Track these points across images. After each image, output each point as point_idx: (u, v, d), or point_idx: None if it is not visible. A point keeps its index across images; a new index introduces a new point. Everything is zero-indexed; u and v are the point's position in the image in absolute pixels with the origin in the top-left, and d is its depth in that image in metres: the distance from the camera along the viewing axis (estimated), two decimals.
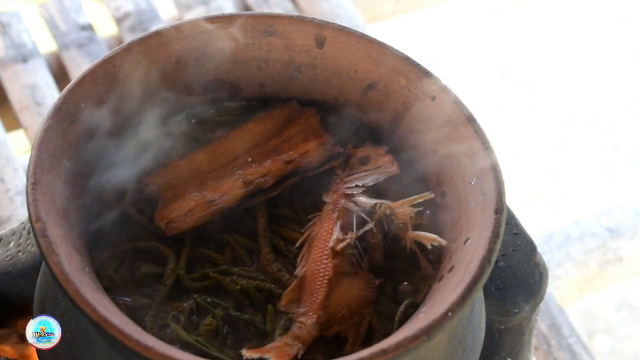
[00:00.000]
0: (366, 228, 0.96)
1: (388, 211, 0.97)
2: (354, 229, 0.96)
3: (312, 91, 1.06)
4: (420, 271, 0.96)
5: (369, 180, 1.00)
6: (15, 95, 1.68)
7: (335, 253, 0.95)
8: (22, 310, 1.08)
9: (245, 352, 0.87)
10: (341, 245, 0.95)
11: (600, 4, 3.01)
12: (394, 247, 0.97)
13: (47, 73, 1.72)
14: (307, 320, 0.91)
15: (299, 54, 1.05)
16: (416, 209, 0.97)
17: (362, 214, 0.97)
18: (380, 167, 1.00)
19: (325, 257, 0.94)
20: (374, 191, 1.00)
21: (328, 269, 0.94)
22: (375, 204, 0.97)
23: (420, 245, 0.95)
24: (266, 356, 0.86)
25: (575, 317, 2.08)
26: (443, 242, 0.93)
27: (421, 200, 0.97)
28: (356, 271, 0.95)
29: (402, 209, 0.97)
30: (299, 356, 0.88)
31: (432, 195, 0.97)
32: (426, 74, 1.01)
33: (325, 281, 0.93)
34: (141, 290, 0.95)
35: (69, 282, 0.83)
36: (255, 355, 0.86)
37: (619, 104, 2.75)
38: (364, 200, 0.98)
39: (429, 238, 0.95)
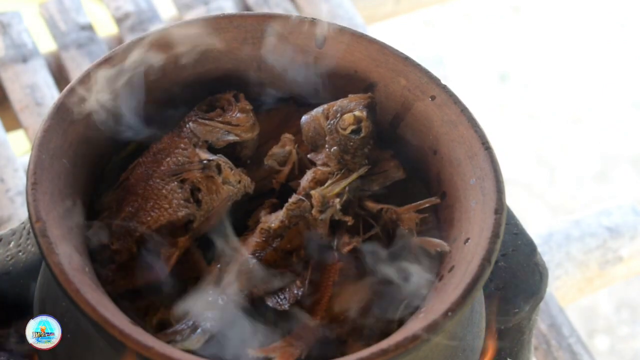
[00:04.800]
0: (372, 232, 0.97)
1: (394, 216, 0.97)
2: (361, 233, 0.96)
3: (312, 91, 1.06)
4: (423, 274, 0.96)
5: (375, 185, 1.00)
6: (15, 95, 1.68)
7: (340, 256, 0.95)
8: (22, 310, 1.08)
9: (250, 351, 0.87)
10: (347, 248, 0.95)
11: (601, 9, 3.01)
12: (398, 251, 0.97)
13: (47, 73, 1.72)
14: (310, 321, 0.91)
15: (299, 54, 1.05)
16: (422, 215, 0.97)
17: (369, 219, 0.97)
18: (386, 171, 1.00)
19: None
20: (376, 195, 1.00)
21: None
22: (382, 209, 0.97)
23: (424, 250, 0.96)
24: (271, 355, 0.86)
25: (575, 317, 2.08)
26: (447, 248, 0.93)
27: (427, 205, 0.97)
28: (360, 275, 0.95)
29: (408, 214, 0.97)
30: (302, 357, 0.88)
31: (438, 200, 0.97)
32: (426, 74, 1.01)
33: (330, 283, 0.93)
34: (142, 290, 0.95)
35: (69, 282, 0.83)
36: (261, 354, 0.86)
37: (619, 105, 2.75)
38: (371, 204, 0.98)
39: (434, 244, 0.95)
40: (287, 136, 1.01)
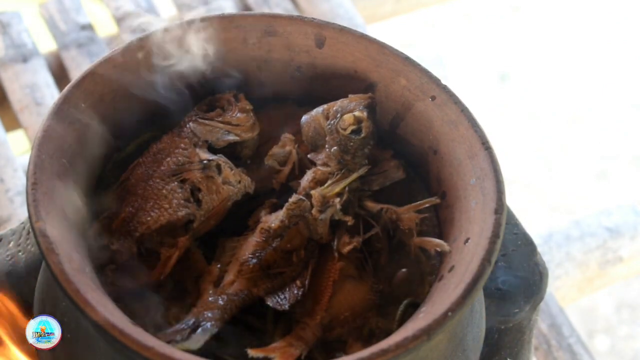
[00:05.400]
0: (372, 232, 0.97)
1: (394, 216, 0.97)
2: (361, 233, 0.96)
3: (312, 91, 1.06)
4: (422, 273, 0.96)
5: (375, 185, 1.00)
6: (15, 95, 1.68)
7: (340, 256, 0.95)
8: (22, 310, 1.08)
9: (250, 351, 0.87)
10: (347, 248, 0.95)
11: (601, 8, 3.01)
12: (398, 251, 0.97)
13: (47, 73, 1.72)
14: (310, 321, 0.91)
15: (299, 54, 1.05)
16: (421, 215, 0.97)
17: (369, 219, 0.97)
18: (386, 171, 1.00)
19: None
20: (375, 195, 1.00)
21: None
22: (382, 209, 0.97)
23: (423, 249, 0.96)
24: (271, 356, 0.86)
25: (575, 317, 2.08)
26: (447, 248, 0.93)
27: (427, 205, 0.97)
28: (360, 275, 0.95)
29: (408, 214, 0.97)
30: (302, 357, 0.88)
31: (438, 200, 0.97)
32: (426, 74, 1.01)
33: (330, 283, 0.93)
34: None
35: (69, 282, 0.83)
36: (260, 354, 0.86)
37: (619, 105, 2.75)
38: (371, 204, 0.98)
39: (434, 244, 0.95)
40: (287, 136, 1.01)
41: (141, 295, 0.94)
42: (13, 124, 1.71)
